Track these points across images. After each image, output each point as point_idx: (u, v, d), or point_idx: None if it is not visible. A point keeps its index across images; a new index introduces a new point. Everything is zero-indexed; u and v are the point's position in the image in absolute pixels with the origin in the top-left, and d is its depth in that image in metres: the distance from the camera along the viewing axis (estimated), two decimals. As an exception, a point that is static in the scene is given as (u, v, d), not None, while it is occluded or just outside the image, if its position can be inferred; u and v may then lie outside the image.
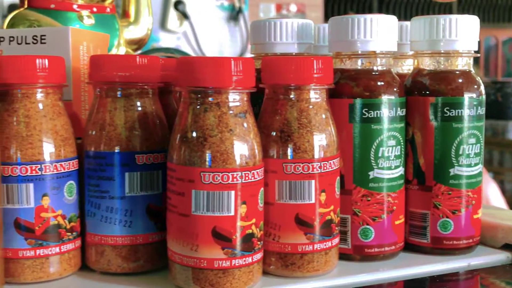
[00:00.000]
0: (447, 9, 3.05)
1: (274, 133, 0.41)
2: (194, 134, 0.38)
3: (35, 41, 0.47)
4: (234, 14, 1.85)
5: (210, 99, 0.38)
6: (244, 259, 0.39)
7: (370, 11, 2.75)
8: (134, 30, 0.68)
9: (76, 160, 0.42)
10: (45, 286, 0.41)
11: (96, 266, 0.43)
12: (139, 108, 0.42)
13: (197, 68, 0.38)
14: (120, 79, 0.42)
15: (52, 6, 0.61)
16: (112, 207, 0.41)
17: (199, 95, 0.39)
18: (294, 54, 0.47)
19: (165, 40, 1.77)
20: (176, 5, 1.76)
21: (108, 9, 0.64)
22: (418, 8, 2.93)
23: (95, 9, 0.63)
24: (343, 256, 0.44)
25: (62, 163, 0.41)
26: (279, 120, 0.41)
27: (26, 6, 0.62)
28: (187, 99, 0.39)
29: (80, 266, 0.43)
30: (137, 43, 0.68)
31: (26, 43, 0.47)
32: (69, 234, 0.41)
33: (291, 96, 0.41)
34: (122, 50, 0.65)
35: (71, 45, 0.46)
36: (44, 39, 0.47)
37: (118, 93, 0.42)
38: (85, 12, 0.62)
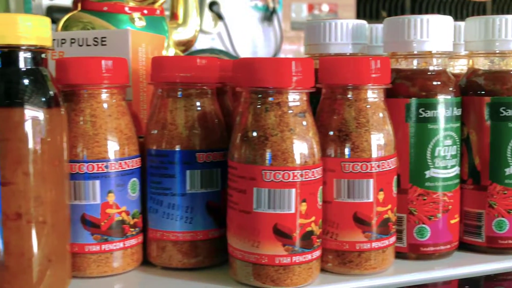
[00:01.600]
0: (481, 9, 3.01)
1: (332, 133, 0.42)
2: (255, 133, 0.39)
3: (95, 43, 0.48)
4: (268, 15, 1.86)
5: (270, 99, 0.39)
6: (304, 256, 0.39)
7: (403, 11, 2.73)
8: (182, 31, 0.69)
9: (139, 158, 0.43)
10: (109, 280, 0.42)
11: (157, 261, 0.44)
12: (199, 108, 0.43)
13: (258, 69, 0.39)
14: (181, 79, 0.43)
15: (105, 8, 0.63)
16: (173, 203, 0.43)
17: (260, 95, 0.39)
18: (348, 54, 0.48)
19: (199, 41, 1.79)
20: (210, 6, 1.78)
21: (158, 11, 0.65)
22: (452, 7, 2.89)
23: (145, 11, 0.64)
24: (399, 254, 0.45)
25: (127, 161, 0.42)
26: (337, 120, 0.42)
27: (79, 8, 0.64)
28: (248, 99, 0.40)
29: (141, 261, 0.44)
30: (185, 45, 0.70)
31: (87, 45, 0.49)
32: (132, 230, 0.43)
33: (349, 96, 0.42)
34: (171, 52, 0.67)
35: (131, 47, 0.48)
36: (105, 41, 0.48)
37: (179, 93, 0.43)
38: (136, 14, 0.63)
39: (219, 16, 1.79)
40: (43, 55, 0.38)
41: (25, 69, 0.37)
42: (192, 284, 0.41)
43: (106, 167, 0.41)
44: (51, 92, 0.38)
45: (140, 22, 0.63)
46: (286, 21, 2.05)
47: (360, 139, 0.41)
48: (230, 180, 0.41)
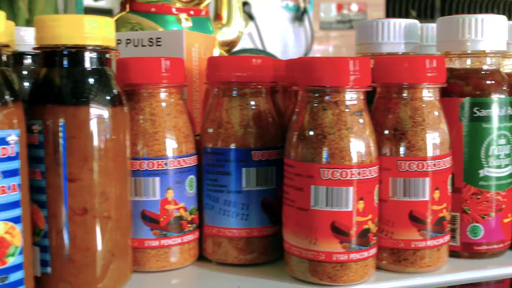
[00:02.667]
0: (512, 7, 2.96)
1: (387, 131, 0.42)
2: (312, 132, 0.40)
3: (150, 44, 0.49)
4: (299, 15, 1.86)
5: (328, 97, 0.40)
6: (360, 253, 0.40)
7: (432, 10, 2.71)
8: (226, 32, 0.70)
9: (196, 155, 0.44)
10: (167, 274, 0.43)
11: (213, 257, 0.45)
12: (254, 107, 0.44)
13: (316, 68, 0.40)
14: (237, 79, 0.43)
15: (153, 9, 0.64)
16: (229, 200, 0.43)
17: (317, 94, 0.40)
18: (400, 53, 0.48)
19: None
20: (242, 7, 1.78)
21: (203, 12, 0.67)
22: (482, 6, 2.86)
23: (192, 12, 0.65)
24: (452, 253, 0.45)
25: (185, 158, 0.43)
26: (392, 119, 0.42)
27: (127, 10, 0.65)
28: (305, 98, 0.41)
29: (197, 257, 0.45)
30: (229, 45, 0.71)
31: (142, 46, 0.50)
32: (190, 225, 0.44)
33: (404, 95, 0.42)
34: (216, 52, 0.68)
35: (185, 47, 0.49)
36: (160, 41, 0.49)
37: (234, 92, 0.44)
38: (183, 15, 0.65)
39: (250, 16, 1.79)
40: (107, 55, 0.39)
41: (90, 68, 0.38)
42: (248, 279, 0.42)
43: (166, 164, 0.42)
44: (115, 91, 0.39)
45: (186, 23, 0.64)
46: (315, 21, 2.05)
47: (416, 138, 0.41)
48: (286, 178, 0.41)
